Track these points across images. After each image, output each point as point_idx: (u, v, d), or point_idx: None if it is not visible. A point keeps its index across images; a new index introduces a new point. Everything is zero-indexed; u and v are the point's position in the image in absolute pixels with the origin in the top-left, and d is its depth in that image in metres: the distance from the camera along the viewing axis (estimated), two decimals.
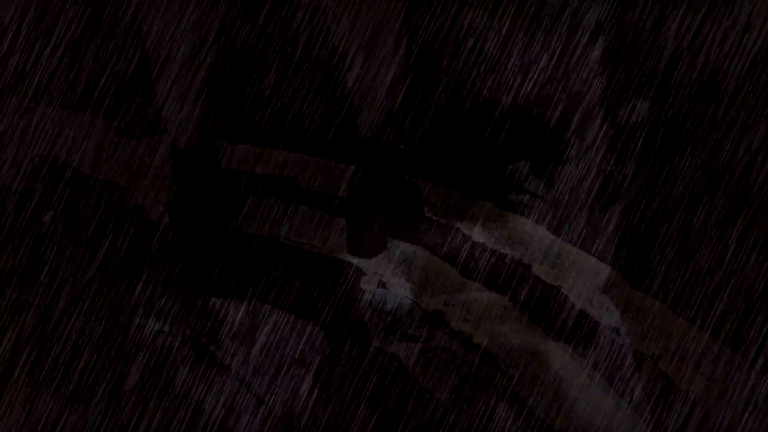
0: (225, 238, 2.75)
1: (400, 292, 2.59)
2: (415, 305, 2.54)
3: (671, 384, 2.34)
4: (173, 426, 2.33)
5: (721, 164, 2.66)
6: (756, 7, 2.76)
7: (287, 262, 2.70)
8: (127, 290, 2.60)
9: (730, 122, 2.69)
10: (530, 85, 2.76)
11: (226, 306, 2.55)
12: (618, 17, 2.80)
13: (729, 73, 2.74)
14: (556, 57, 2.78)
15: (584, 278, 2.61)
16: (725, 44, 2.76)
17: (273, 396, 2.33)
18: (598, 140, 2.70)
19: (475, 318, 2.51)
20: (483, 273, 2.65)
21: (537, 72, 2.77)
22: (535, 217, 2.62)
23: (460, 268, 2.66)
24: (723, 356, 2.38)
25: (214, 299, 2.57)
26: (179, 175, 2.61)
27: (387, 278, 2.63)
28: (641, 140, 2.70)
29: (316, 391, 2.34)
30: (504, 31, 2.80)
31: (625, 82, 2.77)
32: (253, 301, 2.59)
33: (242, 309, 2.54)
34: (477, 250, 2.72)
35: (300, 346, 2.45)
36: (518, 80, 2.76)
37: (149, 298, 2.58)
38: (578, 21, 2.80)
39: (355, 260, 2.67)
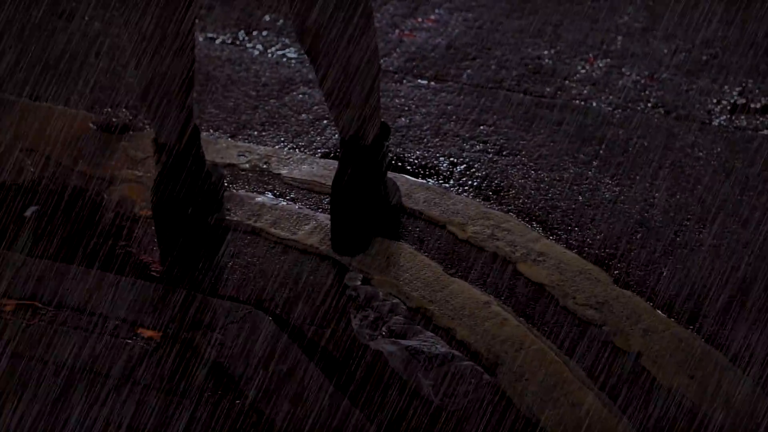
0: (207, 232, 2.75)
1: (384, 288, 2.59)
2: (399, 302, 2.55)
3: (654, 381, 2.35)
4: None
5: None
6: None
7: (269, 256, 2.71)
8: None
9: None
10: None
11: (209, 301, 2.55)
12: None
13: None
14: None
15: (567, 274, 2.62)
16: None
17: (258, 391, 2.33)
18: None
19: (459, 314, 2.52)
20: (467, 269, 2.66)
21: None
22: None
23: (443, 264, 2.67)
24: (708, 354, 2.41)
25: (197, 293, 2.57)
26: (162, 168, 2.60)
27: (371, 275, 2.63)
28: None
29: (300, 388, 2.34)
30: None
31: None
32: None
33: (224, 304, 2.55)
34: (459, 246, 2.73)
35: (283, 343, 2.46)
36: None
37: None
38: None
39: (339, 257, 2.68)
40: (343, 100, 2.51)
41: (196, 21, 2.50)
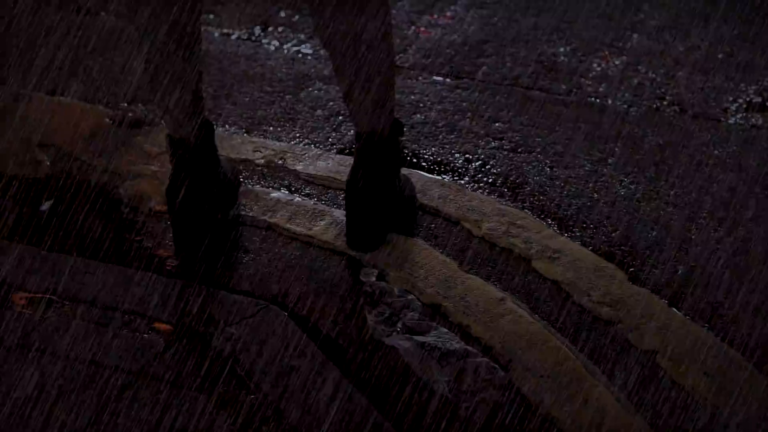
0: (223, 227, 2.75)
1: (399, 284, 2.59)
2: (414, 298, 2.55)
3: (669, 379, 2.35)
4: None
5: None
6: None
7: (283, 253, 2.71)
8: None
9: None
10: None
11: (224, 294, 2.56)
12: None
13: None
14: None
15: (582, 271, 2.62)
16: None
17: (272, 386, 2.34)
18: None
19: (473, 310, 2.52)
20: (482, 265, 2.66)
21: None
22: None
23: (458, 261, 2.67)
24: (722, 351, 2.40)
25: (212, 288, 2.57)
26: (177, 164, 2.60)
27: (386, 271, 2.63)
28: None
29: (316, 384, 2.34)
30: None
31: None
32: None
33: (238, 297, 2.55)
34: (475, 243, 2.73)
35: (298, 339, 2.46)
36: None
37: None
38: None
39: (354, 253, 2.68)
40: (359, 95, 2.51)
41: (202, 15, 2.49)
